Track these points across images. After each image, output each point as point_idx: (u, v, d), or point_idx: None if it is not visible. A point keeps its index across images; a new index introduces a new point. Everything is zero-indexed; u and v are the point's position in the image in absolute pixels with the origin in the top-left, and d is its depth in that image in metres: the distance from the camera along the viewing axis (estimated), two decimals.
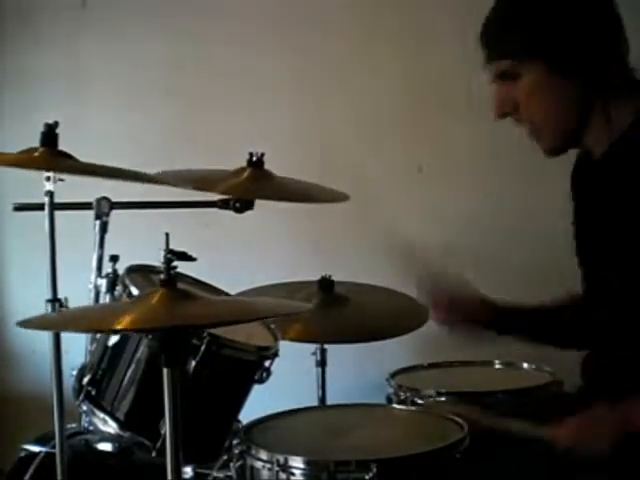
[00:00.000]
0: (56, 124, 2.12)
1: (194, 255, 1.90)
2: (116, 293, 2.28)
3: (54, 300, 2.15)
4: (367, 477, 1.80)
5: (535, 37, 1.79)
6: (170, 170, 2.37)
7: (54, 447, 2.15)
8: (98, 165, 2.13)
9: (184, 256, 1.71)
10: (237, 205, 2.49)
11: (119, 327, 1.55)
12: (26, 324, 1.60)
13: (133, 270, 2.29)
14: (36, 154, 2.08)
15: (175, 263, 1.65)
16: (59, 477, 2.13)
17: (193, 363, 2.08)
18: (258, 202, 2.52)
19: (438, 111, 3.26)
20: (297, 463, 1.87)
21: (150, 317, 1.58)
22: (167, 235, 1.66)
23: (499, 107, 1.85)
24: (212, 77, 3.39)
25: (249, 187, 2.38)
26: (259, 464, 1.91)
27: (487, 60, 1.86)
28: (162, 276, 1.63)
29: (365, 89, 3.30)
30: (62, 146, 2.15)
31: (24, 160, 2.11)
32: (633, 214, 1.74)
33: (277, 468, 1.86)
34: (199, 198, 2.48)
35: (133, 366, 2.17)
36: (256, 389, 2.25)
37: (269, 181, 2.39)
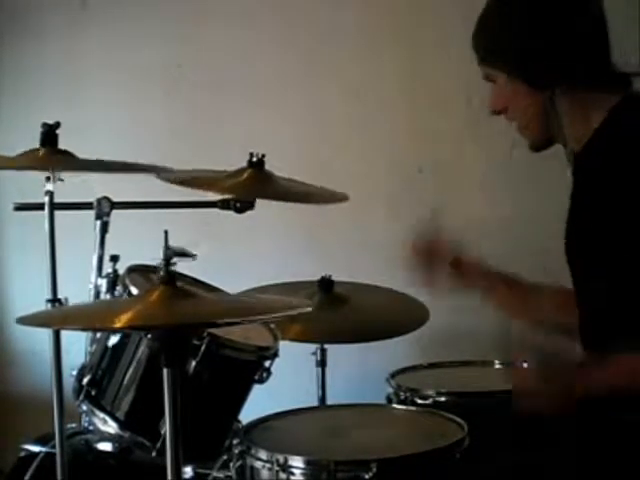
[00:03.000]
0: (57, 124, 2.12)
1: (193, 252, 1.90)
2: (116, 293, 2.28)
3: (54, 300, 2.15)
4: (367, 477, 1.80)
5: (494, 44, 1.86)
6: (170, 170, 2.37)
7: (54, 447, 2.15)
8: (98, 161, 2.13)
9: (183, 253, 1.71)
10: (237, 205, 2.49)
11: (118, 325, 1.55)
12: (25, 320, 1.60)
13: (133, 270, 2.29)
14: (39, 154, 2.08)
15: (174, 260, 1.65)
16: (59, 477, 2.13)
17: (193, 363, 2.08)
18: (258, 202, 2.52)
19: (438, 111, 3.26)
20: (297, 463, 1.87)
21: (149, 315, 1.58)
22: (166, 232, 1.66)
23: (490, 105, 1.92)
24: (212, 77, 3.39)
25: (249, 187, 2.38)
26: (259, 464, 1.92)
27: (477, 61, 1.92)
28: (161, 273, 1.63)
29: (365, 89, 3.30)
30: (62, 146, 2.15)
31: (26, 162, 2.11)
32: (600, 213, 1.74)
33: (277, 468, 1.86)
34: (199, 198, 2.48)
35: (133, 366, 2.17)
36: (256, 389, 2.26)
37: (269, 181, 2.39)
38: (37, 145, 2.18)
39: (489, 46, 1.87)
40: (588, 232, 1.80)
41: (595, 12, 1.82)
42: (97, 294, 2.33)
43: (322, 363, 2.69)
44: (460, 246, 2.22)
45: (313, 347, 2.69)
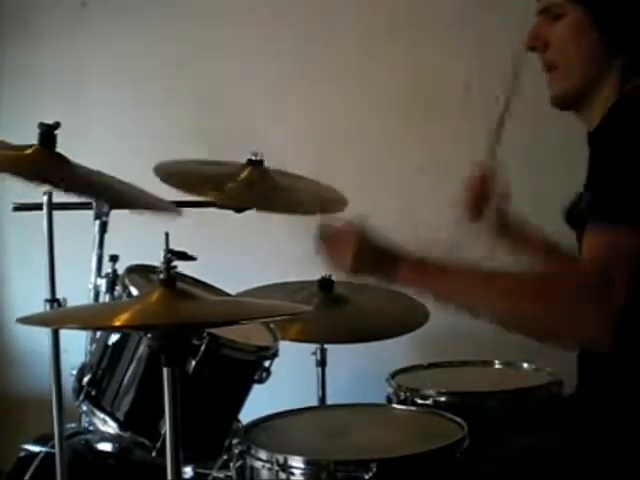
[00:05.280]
0: (57, 125, 2.11)
1: (194, 255, 1.90)
2: (116, 293, 2.28)
3: (53, 300, 2.15)
4: (367, 477, 1.80)
5: None
6: (169, 169, 2.38)
7: (54, 447, 2.15)
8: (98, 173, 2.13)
9: (184, 256, 1.71)
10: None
11: (118, 324, 1.55)
12: (25, 320, 1.61)
13: (133, 270, 2.29)
14: (29, 151, 2.06)
15: (175, 263, 1.65)
16: (59, 477, 2.13)
17: (193, 363, 2.08)
18: None
19: (438, 111, 3.26)
20: (297, 463, 1.87)
21: (149, 315, 1.58)
22: (167, 235, 1.66)
23: (530, 40, 1.84)
24: (212, 77, 3.39)
25: (246, 195, 2.38)
26: (259, 464, 1.91)
27: None
28: (161, 275, 1.63)
29: (365, 89, 3.30)
30: (61, 146, 2.15)
31: (18, 160, 2.09)
32: (613, 193, 1.71)
33: (277, 468, 1.86)
34: (199, 198, 2.48)
35: (133, 366, 2.17)
36: (256, 389, 2.25)
37: (268, 187, 2.39)
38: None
39: None
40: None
41: None
42: (96, 294, 2.33)
43: (322, 363, 2.69)
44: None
45: (313, 347, 2.69)
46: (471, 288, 1.70)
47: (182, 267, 1.71)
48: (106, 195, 2.21)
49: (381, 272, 1.76)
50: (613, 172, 1.64)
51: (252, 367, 2.21)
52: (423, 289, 1.78)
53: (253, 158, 2.41)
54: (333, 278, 2.65)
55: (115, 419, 2.16)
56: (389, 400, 2.41)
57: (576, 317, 1.56)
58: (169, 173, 2.35)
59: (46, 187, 2.11)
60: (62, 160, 2.11)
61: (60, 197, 2.20)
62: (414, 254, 1.75)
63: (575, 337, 1.62)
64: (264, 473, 1.90)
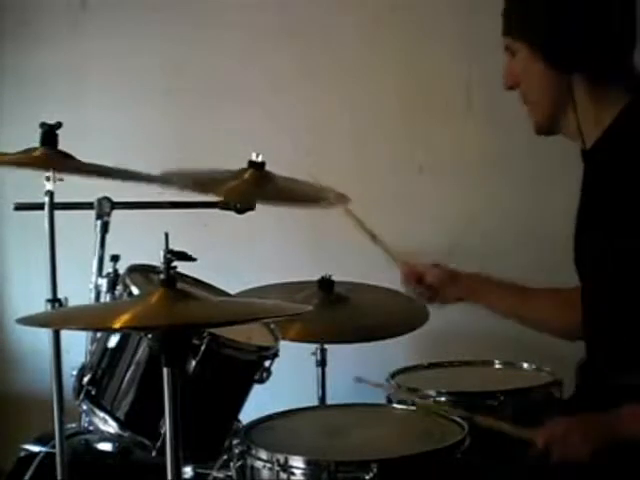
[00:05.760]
0: (58, 125, 2.12)
1: (194, 255, 1.89)
2: (117, 293, 2.28)
3: (54, 300, 2.15)
4: (367, 477, 1.80)
5: (523, 21, 1.84)
6: (170, 171, 2.37)
7: (54, 447, 2.15)
8: (98, 165, 2.13)
9: (184, 256, 1.71)
10: (238, 206, 2.49)
11: (118, 325, 1.55)
12: (26, 321, 1.61)
13: (134, 270, 2.29)
14: (36, 153, 2.08)
15: (175, 263, 1.65)
16: (59, 477, 2.13)
17: (193, 363, 2.08)
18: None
19: (438, 111, 3.26)
20: (297, 463, 1.86)
21: (149, 316, 1.58)
22: (167, 235, 1.66)
23: (504, 79, 1.92)
24: (212, 77, 3.39)
25: (250, 191, 2.38)
26: (259, 464, 1.91)
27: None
28: (162, 276, 1.63)
29: (365, 89, 3.30)
30: (62, 146, 2.15)
31: (24, 160, 2.11)
32: (610, 211, 1.74)
33: (277, 468, 1.86)
34: (200, 198, 2.48)
35: (133, 366, 2.17)
36: (256, 389, 2.25)
37: (270, 184, 2.39)
38: (37, 145, 2.18)
39: (517, 17, 1.85)
40: (598, 231, 1.79)
41: (629, 9, 1.81)
42: (97, 294, 2.33)
43: (322, 363, 2.69)
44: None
45: (313, 347, 2.69)
46: None
47: (182, 267, 1.71)
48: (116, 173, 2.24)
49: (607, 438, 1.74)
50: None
51: (252, 367, 2.21)
52: None
53: (254, 160, 2.41)
54: (333, 278, 2.65)
55: (115, 419, 2.16)
56: (389, 400, 2.41)
57: None
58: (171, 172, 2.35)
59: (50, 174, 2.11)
60: (66, 157, 2.12)
61: (61, 197, 2.20)
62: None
63: None
64: (264, 473, 1.90)
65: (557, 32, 1.78)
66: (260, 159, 2.35)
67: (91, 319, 1.70)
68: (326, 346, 2.68)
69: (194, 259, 1.79)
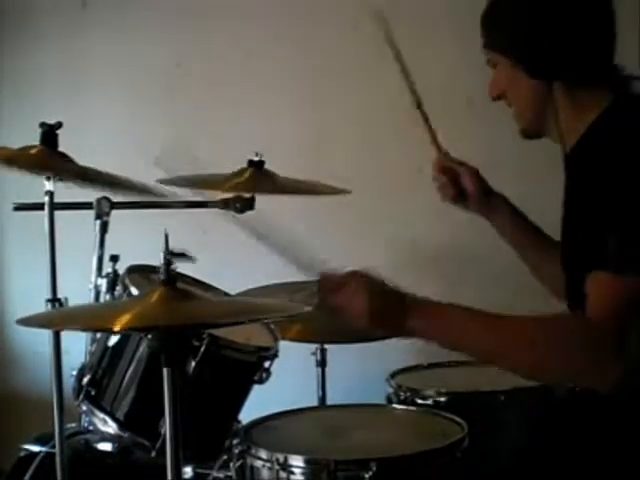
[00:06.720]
0: (58, 125, 2.12)
1: (194, 255, 1.90)
2: (116, 293, 2.28)
3: (54, 300, 2.15)
4: (367, 476, 1.80)
5: (501, 28, 1.86)
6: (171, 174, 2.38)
7: (54, 447, 2.15)
8: (96, 171, 2.13)
9: (184, 256, 1.71)
10: (237, 205, 2.49)
11: (118, 325, 1.55)
12: (26, 322, 1.61)
13: (133, 270, 2.29)
14: (33, 151, 2.07)
15: (174, 265, 1.65)
16: (59, 477, 2.13)
17: (193, 364, 2.08)
18: (258, 202, 2.52)
19: (438, 111, 3.25)
20: (297, 462, 1.87)
21: (149, 316, 1.58)
22: (166, 236, 1.66)
23: (489, 90, 1.96)
24: (212, 77, 3.39)
25: (251, 185, 2.40)
26: (259, 463, 1.91)
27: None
28: (161, 276, 1.63)
29: (365, 89, 3.30)
30: (62, 146, 2.15)
31: (22, 158, 2.10)
32: (592, 211, 1.73)
33: (277, 467, 1.86)
34: (200, 198, 2.48)
35: (133, 366, 2.17)
36: (256, 389, 2.25)
37: (270, 180, 2.40)
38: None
39: (496, 30, 1.87)
40: (580, 234, 1.78)
41: (606, 11, 1.81)
42: (97, 294, 2.33)
43: (322, 363, 2.69)
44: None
45: (313, 347, 2.69)
46: (480, 335, 1.72)
47: (182, 267, 1.71)
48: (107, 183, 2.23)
49: (394, 317, 1.75)
50: (608, 214, 1.67)
51: (252, 368, 2.21)
52: (433, 338, 1.77)
53: (254, 159, 2.41)
54: None
55: (115, 419, 2.16)
56: (389, 400, 2.41)
57: (591, 365, 1.60)
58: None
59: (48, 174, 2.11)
60: (65, 159, 2.12)
61: (61, 197, 2.20)
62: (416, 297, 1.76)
63: (588, 383, 1.66)
64: (264, 473, 1.90)
65: (536, 43, 1.79)
66: (260, 159, 2.36)
67: (90, 320, 1.70)
68: (326, 346, 2.68)
69: (194, 259, 1.79)
